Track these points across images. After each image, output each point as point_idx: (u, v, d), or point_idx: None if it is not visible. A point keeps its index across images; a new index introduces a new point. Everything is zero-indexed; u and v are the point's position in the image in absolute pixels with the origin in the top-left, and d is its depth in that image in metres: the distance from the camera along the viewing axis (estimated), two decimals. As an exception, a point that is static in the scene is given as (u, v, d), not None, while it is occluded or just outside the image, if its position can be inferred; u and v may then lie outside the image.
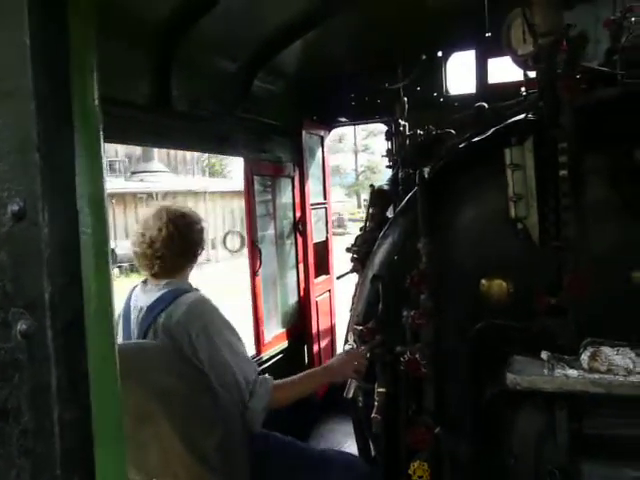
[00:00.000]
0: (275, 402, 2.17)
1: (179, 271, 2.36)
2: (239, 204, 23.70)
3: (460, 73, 4.43)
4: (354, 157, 42.63)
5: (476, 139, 2.59)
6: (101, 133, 0.72)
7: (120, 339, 2.32)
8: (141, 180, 23.62)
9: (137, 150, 25.42)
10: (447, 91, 4.18)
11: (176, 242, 2.30)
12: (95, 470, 0.68)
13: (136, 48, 2.64)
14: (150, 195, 21.69)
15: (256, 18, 3.05)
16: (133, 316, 2.30)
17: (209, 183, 26.64)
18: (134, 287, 2.44)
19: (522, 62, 2.53)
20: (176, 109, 2.86)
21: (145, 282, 2.39)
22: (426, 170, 2.54)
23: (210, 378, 2.02)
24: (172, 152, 27.65)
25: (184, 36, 2.76)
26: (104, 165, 0.74)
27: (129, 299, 2.38)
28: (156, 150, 24.54)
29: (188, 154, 28.58)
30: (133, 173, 25.03)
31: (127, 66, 2.57)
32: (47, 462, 0.65)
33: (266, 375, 2.26)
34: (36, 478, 0.65)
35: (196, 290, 2.33)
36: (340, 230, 24.40)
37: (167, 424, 1.65)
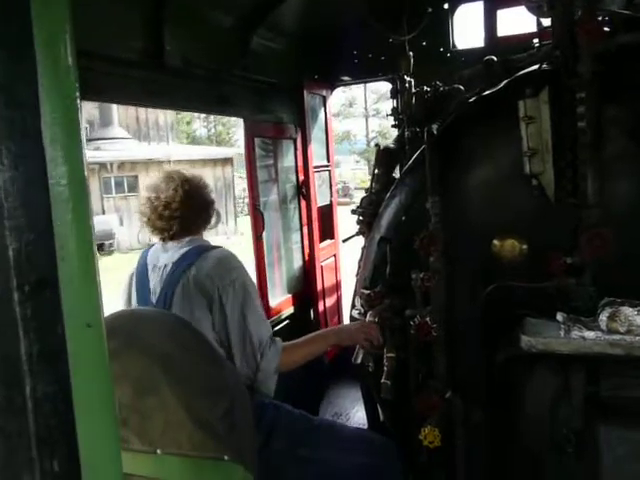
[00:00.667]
0: (286, 363, 2.20)
1: (198, 230, 2.40)
2: (212, 172, 22.84)
3: (467, 26, 4.25)
4: (365, 122, 41.76)
5: (487, 93, 2.47)
6: (74, 73, 0.62)
7: (134, 301, 2.37)
8: (97, 148, 21.08)
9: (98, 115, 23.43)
10: (454, 45, 4.01)
11: (194, 199, 2.34)
12: (79, 449, 0.60)
13: (126, 1, 2.49)
14: (103, 166, 20.18)
15: None
16: (155, 274, 2.32)
17: (182, 150, 24.89)
18: (149, 248, 2.47)
19: (536, 8, 2.39)
20: (170, 65, 2.72)
21: (164, 240, 2.39)
22: (434, 127, 2.42)
23: (220, 341, 2.10)
24: (142, 117, 25.86)
25: None
26: (80, 110, 0.64)
27: (144, 259, 2.41)
28: (116, 115, 22.87)
29: (161, 119, 26.95)
30: (88, 140, 21.64)
31: (114, 17, 2.41)
32: (20, 442, 0.57)
33: (276, 337, 2.27)
34: (8, 461, 0.58)
35: (221, 247, 2.38)
36: (345, 200, 23.27)
37: (170, 393, 1.59)
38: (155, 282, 2.31)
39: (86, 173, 0.65)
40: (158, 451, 1.12)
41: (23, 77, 0.55)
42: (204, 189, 2.45)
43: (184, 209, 2.30)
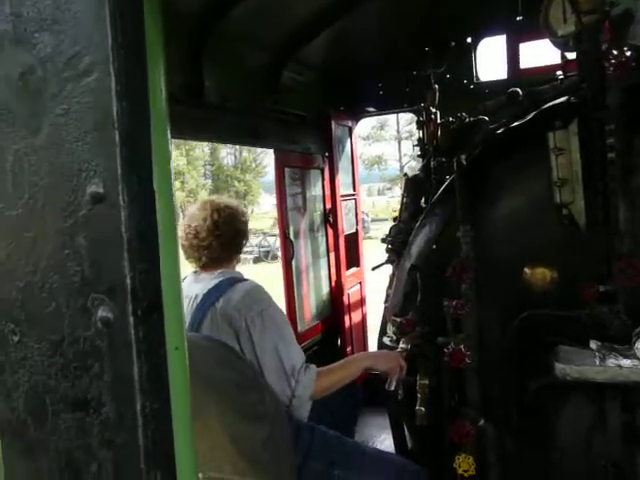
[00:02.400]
0: (320, 389, 2.19)
1: (227, 261, 2.42)
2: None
3: (490, 58, 4.34)
4: (397, 145, 38.87)
5: (515, 124, 2.52)
6: (167, 116, 0.70)
7: None
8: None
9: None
10: (477, 77, 4.10)
11: (221, 230, 2.35)
12: (176, 464, 0.66)
13: (169, 38, 2.62)
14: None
15: (285, 8, 3.01)
16: (185, 304, 2.31)
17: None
18: (184, 278, 2.47)
19: (562, 43, 2.45)
20: (208, 101, 2.84)
21: (196, 272, 2.44)
22: (462, 157, 2.48)
23: (257, 369, 2.06)
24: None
25: (215, 27, 2.74)
26: (170, 148, 0.72)
27: None
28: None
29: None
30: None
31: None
32: (130, 455, 0.63)
33: (309, 363, 2.27)
34: (119, 471, 0.63)
35: (250, 280, 2.38)
36: None
37: (215, 418, 1.64)
38: (186, 312, 2.31)
39: (175, 208, 0.72)
40: (200, 475, 1.16)
41: (142, 120, 0.62)
42: (237, 218, 2.44)
43: (211, 239, 2.34)
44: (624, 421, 2.02)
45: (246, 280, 2.37)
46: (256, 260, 19.36)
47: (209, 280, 2.34)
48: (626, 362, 1.92)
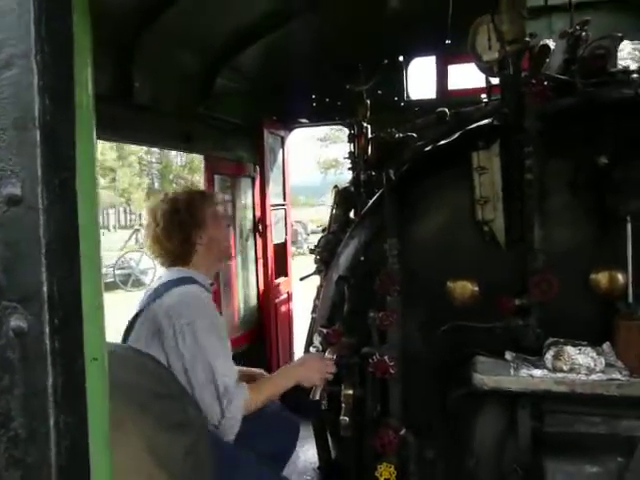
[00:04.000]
0: (250, 408, 2.12)
1: (181, 258, 2.27)
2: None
3: (420, 78, 4.50)
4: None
5: (442, 142, 2.63)
6: (94, 116, 0.67)
7: None
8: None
9: None
10: (408, 95, 4.24)
11: (162, 226, 2.23)
12: (90, 478, 0.62)
13: (98, 35, 2.52)
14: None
15: (220, 15, 2.99)
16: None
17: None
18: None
19: (487, 68, 2.58)
20: (138, 102, 2.76)
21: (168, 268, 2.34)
22: (391, 172, 2.54)
23: (182, 380, 1.95)
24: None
25: (148, 27, 2.67)
26: (96, 148, 0.69)
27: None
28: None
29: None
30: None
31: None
32: (41, 475, 0.59)
33: (242, 382, 2.18)
34: (28, 491, 0.59)
35: (193, 285, 2.21)
36: (293, 249, 15.67)
37: (134, 429, 1.57)
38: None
39: (98, 212, 0.70)
40: None
41: (65, 124, 0.59)
42: (176, 210, 2.24)
43: (155, 236, 2.25)
44: (533, 428, 2.12)
45: (186, 283, 2.19)
46: (106, 287, 12.75)
47: (163, 278, 2.25)
48: (537, 372, 2.03)
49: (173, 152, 37.13)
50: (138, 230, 17.22)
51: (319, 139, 34.86)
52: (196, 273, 2.28)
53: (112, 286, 13.42)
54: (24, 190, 0.54)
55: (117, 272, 14.35)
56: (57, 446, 0.58)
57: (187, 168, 36.85)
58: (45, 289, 0.57)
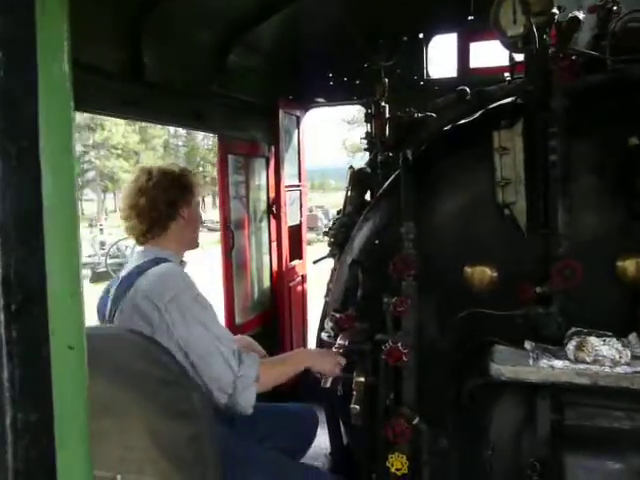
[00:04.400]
0: (262, 378, 2.01)
1: (158, 227, 2.15)
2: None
3: (441, 56, 4.36)
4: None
5: (462, 122, 2.52)
6: (69, 80, 0.60)
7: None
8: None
9: None
10: (428, 74, 4.11)
11: (133, 198, 2.13)
12: (58, 483, 0.56)
13: (105, 10, 2.44)
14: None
15: None
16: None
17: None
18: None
19: (511, 44, 2.46)
20: (148, 79, 2.69)
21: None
22: (409, 153, 2.45)
23: (183, 361, 1.82)
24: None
25: (158, 2, 2.59)
26: (72, 116, 0.62)
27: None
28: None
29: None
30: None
31: (95, 28, 2.37)
32: (-4, 477, 0.52)
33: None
34: (-20, 499, 0.53)
35: (167, 263, 2.08)
36: (312, 235, 15.85)
37: (130, 415, 1.53)
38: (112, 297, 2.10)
39: (76, 190, 0.62)
40: (118, 477, 1.05)
41: (25, 85, 0.52)
42: (167, 181, 2.16)
43: (128, 210, 2.14)
44: (553, 420, 2.04)
45: (161, 263, 2.06)
46: (98, 277, 13.30)
47: (135, 261, 2.13)
48: (558, 363, 1.94)
49: (200, 135, 37.02)
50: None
51: (346, 121, 34.11)
52: (168, 253, 2.16)
53: (105, 276, 12.64)
54: (-25, 160, 0.48)
55: (109, 261, 13.92)
56: (13, 447, 0.52)
57: (213, 151, 36.77)
58: (-1, 271, 0.50)
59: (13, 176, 0.51)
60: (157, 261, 2.06)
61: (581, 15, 2.51)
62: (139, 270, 2.02)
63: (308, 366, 2.24)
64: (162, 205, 2.13)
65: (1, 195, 0.50)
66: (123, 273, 2.14)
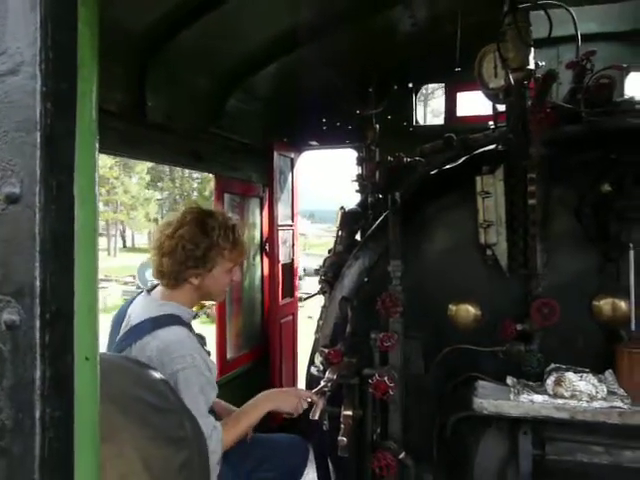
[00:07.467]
0: (226, 444, 2.00)
1: (175, 285, 2.09)
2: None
3: (429, 104, 4.55)
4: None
5: (447, 167, 2.65)
6: (96, 124, 0.71)
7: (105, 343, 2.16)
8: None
9: None
10: (417, 121, 4.29)
11: (180, 242, 2.03)
12: (74, 475, 0.64)
13: (113, 54, 2.59)
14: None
15: (235, 37, 3.07)
16: (125, 323, 2.11)
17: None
18: (139, 294, 2.25)
19: (492, 95, 2.62)
20: (151, 120, 2.83)
21: (149, 292, 2.19)
22: (397, 195, 2.57)
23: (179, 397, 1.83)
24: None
25: (162, 47, 2.75)
26: (97, 156, 0.72)
27: (128, 304, 2.20)
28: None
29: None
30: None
31: (103, 73, 2.51)
32: (24, 464, 0.60)
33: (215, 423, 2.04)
34: (11, 480, 0.61)
35: (178, 327, 2.02)
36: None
37: (130, 442, 1.58)
38: (122, 331, 2.09)
39: (98, 218, 0.72)
40: None
41: (66, 130, 0.62)
42: (202, 232, 2.04)
43: (156, 257, 2.08)
44: (535, 455, 2.10)
45: (172, 325, 2.01)
46: None
47: (150, 310, 2.05)
48: (538, 397, 2.01)
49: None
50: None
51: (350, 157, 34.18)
52: (180, 307, 2.11)
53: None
54: (23, 189, 0.57)
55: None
56: (41, 437, 0.59)
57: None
58: (38, 284, 0.59)
59: (52, 205, 0.60)
60: (169, 321, 2.03)
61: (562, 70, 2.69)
62: (153, 325, 2.00)
63: (271, 409, 2.19)
64: (203, 245, 2.06)
65: (42, 219, 0.59)
66: (135, 315, 2.09)
